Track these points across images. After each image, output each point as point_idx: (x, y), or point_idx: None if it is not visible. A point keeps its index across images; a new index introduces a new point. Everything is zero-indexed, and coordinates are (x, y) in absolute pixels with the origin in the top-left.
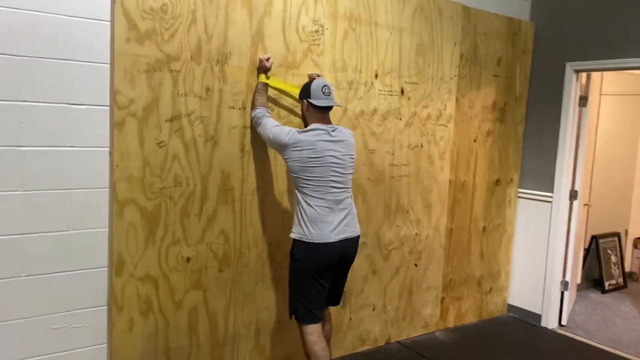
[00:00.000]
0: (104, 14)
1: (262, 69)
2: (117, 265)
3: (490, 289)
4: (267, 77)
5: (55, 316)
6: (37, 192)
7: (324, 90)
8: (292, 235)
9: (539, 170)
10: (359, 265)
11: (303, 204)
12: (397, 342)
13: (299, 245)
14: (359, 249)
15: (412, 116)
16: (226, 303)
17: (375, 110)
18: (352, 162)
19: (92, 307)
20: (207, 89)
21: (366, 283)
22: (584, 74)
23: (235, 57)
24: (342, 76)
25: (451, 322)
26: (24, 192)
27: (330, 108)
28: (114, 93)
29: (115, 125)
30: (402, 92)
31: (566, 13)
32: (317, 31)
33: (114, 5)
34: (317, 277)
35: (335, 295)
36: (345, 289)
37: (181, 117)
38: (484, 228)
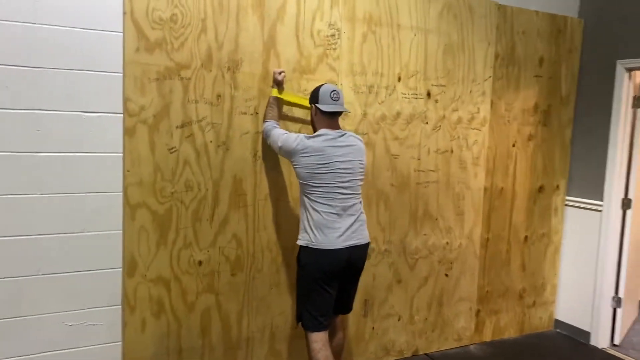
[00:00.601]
0: (117, 25)
1: (275, 82)
2: (129, 267)
3: (534, 302)
4: (280, 92)
5: (71, 313)
6: (53, 195)
7: (332, 96)
8: (299, 242)
9: (587, 177)
10: (382, 273)
11: (310, 210)
12: (425, 354)
13: (305, 251)
14: (370, 256)
15: (441, 120)
16: (239, 307)
17: (398, 114)
18: (362, 169)
19: (107, 306)
20: (218, 96)
21: (390, 292)
22: (638, 72)
23: (247, 64)
24: (361, 80)
25: (488, 336)
26: (41, 195)
27: (339, 113)
28: (124, 100)
29: (126, 132)
30: (429, 95)
31: (618, 7)
32: (333, 35)
33: (125, 17)
34: (322, 283)
35: (344, 304)
36: (367, 298)
37: (192, 124)
38: (526, 238)
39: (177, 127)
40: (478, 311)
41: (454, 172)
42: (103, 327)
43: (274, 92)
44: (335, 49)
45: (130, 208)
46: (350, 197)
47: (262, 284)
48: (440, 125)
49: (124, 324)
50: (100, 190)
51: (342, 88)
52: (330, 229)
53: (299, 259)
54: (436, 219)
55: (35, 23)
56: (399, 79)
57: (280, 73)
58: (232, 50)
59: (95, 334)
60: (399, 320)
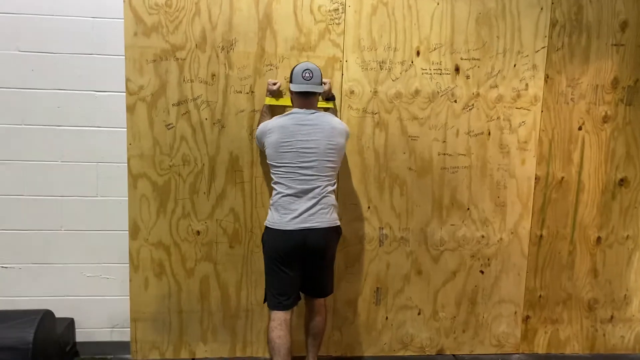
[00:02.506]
0: (119, 12)
1: (269, 92)
2: (132, 230)
3: (612, 317)
4: (277, 99)
5: (88, 266)
6: (72, 163)
7: (304, 75)
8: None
9: None
10: (397, 262)
11: (273, 190)
12: (453, 355)
13: (265, 231)
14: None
15: (473, 98)
16: (237, 278)
17: (417, 92)
18: (331, 149)
19: (119, 263)
20: (213, 75)
21: (408, 283)
22: None
23: (241, 44)
24: (370, 56)
25: (541, 348)
26: (62, 163)
27: (312, 93)
28: (125, 81)
29: (128, 109)
30: (457, 70)
31: None
32: (336, 10)
33: (124, 4)
34: (278, 264)
35: (315, 288)
36: (379, 286)
37: (188, 102)
38: (599, 239)
39: (173, 105)
40: (527, 317)
41: (492, 157)
42: (116, 282)
43: (267, 101)
44: (339, 23)
45: (132, 178)
46: (314, 179)
47: (261, 259)
48: (473, 104)
49: (130, 281)
50: (110, 161)
51: (347, 65)
52: (286, 209)
53: (262, 237)
54: (467, 209)
55: (53, 15)
56: (418, 54)
57: (274, 84)
58: (226, 31)
59: (108, 286)
60: (418, 314)
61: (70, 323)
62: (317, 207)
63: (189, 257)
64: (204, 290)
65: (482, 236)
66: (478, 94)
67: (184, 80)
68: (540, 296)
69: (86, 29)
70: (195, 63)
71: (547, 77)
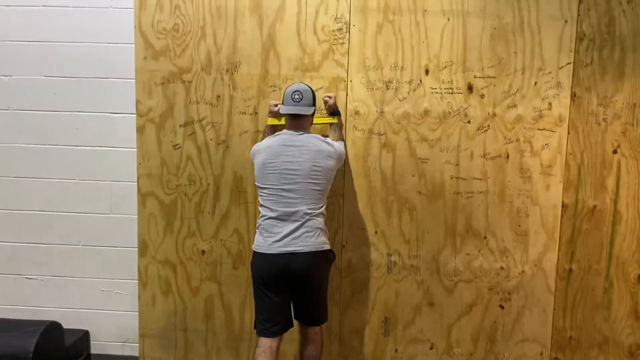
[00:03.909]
0: (131, 38)
1: (271, 113)
2: (141, 248)
3: None
4: (279, 119)
5: (103, 280)
6: (88, 181)
7: (293, 97)
8: None
9: None
10: (407, 291)
11: (260, 213)
12: None
13: (252, 254)
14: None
15: (489, 118)
16: (241, 299)
17: (426, 112)
18: (316, 172)
19: (130, 279)
20: (218, 97)
21: (419, 314)
22: None
23: (245, 65)
24: (376, 75)
25: None
26: (79, 181)
27: (301, 115)
28: (136, 102)
29: (138, 130)
30: (470, 88)
31: None
32: (340, 29)
33: (135, 30)
34: (263, 288)
35: (304, 315)
36: (387, 316)
37: (194, 123)
38: None
39: (180, 126)
40: (555, 359)
41: (512, 182)
42: (127, 297)
43: (269, 121)
44: (343, 43)
45: (141, 196)
46: (297, 202)
47: None
48: (488, 125)
49: (139, 297)
50: (122, 179)
51: (351, 85)
52: (269, 232)
53: (250, 261)
54: (484, 237)
55: (74, 42)
56: (427, 72)
57: (275, 105)
58: (231, 54)
59: (120, 301)
60: (431, 348)
61: (84, 335)
62: (301, 230)
63: (194, 276)
64: (209, 310)
65: (502, 268)
66: (494, 114)
67: (190, 102)
68: (570, 337)
69: (102, 55)
70: (201, 85)
71: (574, 95)
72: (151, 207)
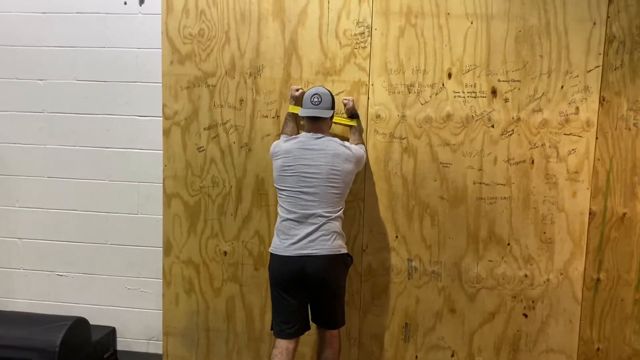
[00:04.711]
0: (158, 43)
1: (292, 98)
2: (165, 247)
3: None
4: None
5: (130, 279)
6: (117, 182)
7: (312, 100)
8: None
9: None
10: (428, 297)
11: (278, 214)
12: None
13: (270, 256)
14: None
15: (513, 122)
16: (262, 301)
17: (449, 116)
18: (335, 175)
19: (155, 278)
20: (241, 100)
21: (440, 321)
22: None
23: (267, 69)
24: (398, 79)
25: None
26: (109, 182)
27: (320, 118)
28: (162, 106)
29: (164, 133)
30: (494, 92)
31: None
32: (362, 33)
33: (162, 36)
34: (279, 290)
35: (321, 318)
36: (408, 322)
37: (217, 126)
38: None
39: (204, 129)
40: None
41: (537, 188)
42: (152, 295)
43: (290, 109)
44: (364, 47)
45: (167, 197)
46: (315, 205)
47: None
48: (513, 130)
49: (163, 296)
50: (149, 181)
51: (373, 88)
52: (286, 235)
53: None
54: (508, 244)
55: (105, 47)
56: (449, 76)
57: (297, 90)
58: (254, 58)
59: (146, 300)
60: (452, 356)
61: (111, 332)
62: (318, 233)
63: (217, 276)
64: (230, 311)
65: (526, 275)
66: (519, 119)
67: (214, 106)
68: (598, 349)
69: (132, 59)
70: (225, 89)
71: (602, 99)
72: (176, 208)
